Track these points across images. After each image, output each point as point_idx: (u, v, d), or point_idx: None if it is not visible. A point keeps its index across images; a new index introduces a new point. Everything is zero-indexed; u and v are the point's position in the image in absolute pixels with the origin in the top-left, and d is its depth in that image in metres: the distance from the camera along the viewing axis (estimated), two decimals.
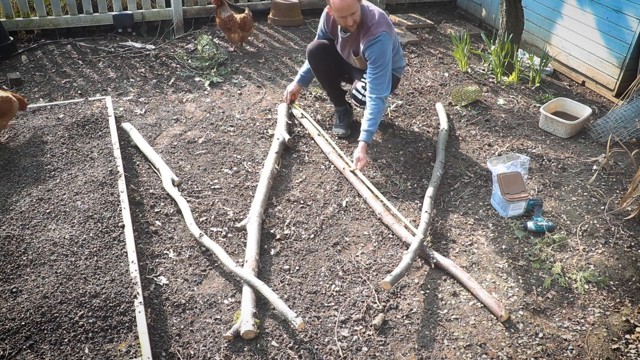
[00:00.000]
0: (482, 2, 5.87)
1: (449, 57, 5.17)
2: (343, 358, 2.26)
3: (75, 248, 2.66)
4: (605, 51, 4.38)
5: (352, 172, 3.28)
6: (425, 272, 2.71)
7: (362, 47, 3.27)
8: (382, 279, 2.65)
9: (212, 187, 3.25)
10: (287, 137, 3.59)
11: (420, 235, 2.73)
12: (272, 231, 2.93)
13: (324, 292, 2.58)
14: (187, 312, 2.44)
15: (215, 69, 4.66)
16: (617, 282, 2.68)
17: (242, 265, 2.64)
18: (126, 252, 2.64)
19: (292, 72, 4.71)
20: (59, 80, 4.41)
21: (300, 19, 5.78)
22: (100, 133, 3.59)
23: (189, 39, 5.29)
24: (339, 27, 3.36)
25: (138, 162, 3.44)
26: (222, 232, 2.91)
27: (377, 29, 3.18)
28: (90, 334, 2.23)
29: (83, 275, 2.50)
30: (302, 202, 3.16)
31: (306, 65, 3.76)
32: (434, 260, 2.71)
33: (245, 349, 2.27)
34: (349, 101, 3.91)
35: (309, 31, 5.62)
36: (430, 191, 3.10)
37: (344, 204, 3.16)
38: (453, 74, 4.80)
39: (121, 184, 3.07)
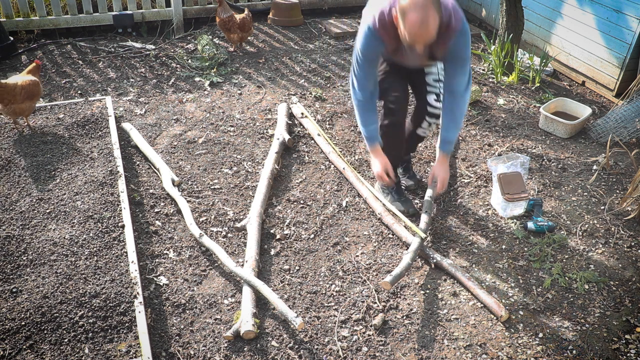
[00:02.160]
0: (482, 2, 5.87)
1: None
2: (343, 358, 2.26)
3: (75, 248, 2.66)
4: (605, 51, 4.38)
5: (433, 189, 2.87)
6: (425, 272, 2.71)
7: (442, 50, 2.51)
8: (383, 279, 2.65)
9: (212, 187, 3.25)
10: (287, 137, 3.59)
11: (420, 235, 2.73)
12: (272, 231, 2.93)
13: (324, 292, 2.58)
14: (187, 312, 2.44)
15: (215, 69, 4.66)
16: (617, 282, 2.68)
17: (242, 265, 2.64)
18: (126, 252, 2.65)
19: (292, 72, 4.72)
20: (59, 80, 4.41)
21: (300, 19, 5.78)
22: (100, 133, 3.60)
23: (189, 39, 5.29)
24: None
25: (138, 162, 3.44)
26: (222, 232, 2.91)
27: (457, 20, 2.41)
28: (90, 334, 2.23)
29: (83, 275, 2.50)
30: (302, 202, 3.16)
31: (367, 118, 2.76)
32: (434, 260, 2.71)
33: (245, 349, 2.27)
34: (421, 124, 3.03)
35: (309, 31, 5.62)
36: (430, 192, 3.10)
37: (344, 204, 3.16)
38: None
39: (121, 184, 3.07)
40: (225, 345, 2.28)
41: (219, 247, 2.68)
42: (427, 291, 2.60)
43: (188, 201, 3.08)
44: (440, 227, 3.00)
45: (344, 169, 3.35)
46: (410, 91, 2.99)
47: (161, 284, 2.58)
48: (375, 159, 2.82)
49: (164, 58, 4.87)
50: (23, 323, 2.25)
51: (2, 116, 3.72)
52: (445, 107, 2.72)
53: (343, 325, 2.40)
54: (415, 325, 2.41)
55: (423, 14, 2.17)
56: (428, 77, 2.86)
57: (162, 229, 2.92)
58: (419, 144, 3.25)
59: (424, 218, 2.85)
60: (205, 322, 2.39)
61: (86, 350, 2.18)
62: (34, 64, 3.58)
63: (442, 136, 2.77)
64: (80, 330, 2.25)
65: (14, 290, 2.42)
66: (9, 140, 3.48)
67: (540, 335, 2.39)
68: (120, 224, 2.82)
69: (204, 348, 2.27)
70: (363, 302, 2.52)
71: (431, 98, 2.87)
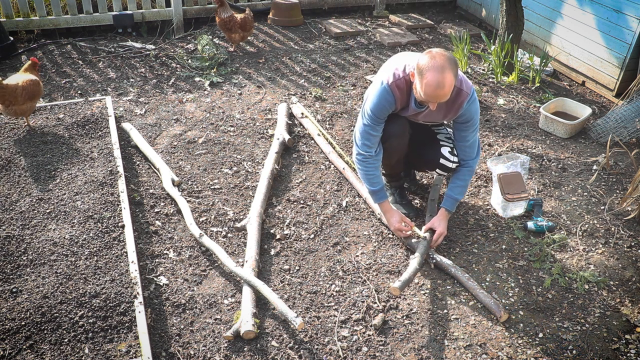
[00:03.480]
0: (482, 2, 5.87)
1: None
2: (343, 358, 2.26)
3: (75, 248, 2.66)
4: (605, 51, 4.38)
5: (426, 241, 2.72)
6: (426, 272, 2.70)
7: (450, 114, 2.62)
8: (386, 280, 2.65)
9: (212, 187, 3.25)
10: (287, 137, 3.59)
11: (426, 237, 2.73)
12: (272, 231, 2.93)
13: (324, 292, 2.58)
14: (187, 312, 2.44)
15: (215, 69, 4.66)
16: (617, 282, 2.68)
17: (242, 265, 2.64)
18: (126, 252, 2.64)
19: (292, 72, 4.72)
20: (59, 80, 4.41)
21: (300, 19, 5.78)
22: (100, 133, 3.59)
23: (189, 39, 5.29)
24: (412, 99, 2.57)
25: (138, 162, 3.44)
26: (222, 232, 2.91)
27: (467, 87, 2.55)
28: (90, 334, 2.23)
29: (83, 275, 2.50)
30: (302, 202, 3.16)
31: (372, 176, 2.77)
32: (434, 261, 2.71)
33: (245, 349, 2.27)
34: (428, 172, 3.18)
35: (309, 31, 5.62)
36: (432, 194, 3.10)
37: (344, 204, 3.15)
38: None
39: (121, 184, 3.07)
40: (225, 345, 2.28)
41: (219, 247, 2.68)
42: (427, 291, 2.60)
43: (188, 201, 3.08)
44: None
45: (343, 169, 3.35)
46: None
47: (161, 284, 2.58)
48: (388, 215, 2.82)
49: (164, 58, 4.87)
50: (23, 323, 2.25)
51: (2, 116, 3.72)
52: (455, 170, 2.82)
53: (343, 325, 2.40)
54: (415, 325, 2.41)
55: (440, 76, 2.29)
56: (440, 134, 2.88)
57: (162, 229, 2.92)
58: (438, 173, 3.03)
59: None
60: (205, 322, 2.39)
61: (86, 350, 2.18)
62: (29, 62, 3.57)
63: (447, 194, 2.79)
64: (80, 330, 2.25)
65: (14, 290, 2.42)
66: (9, 140, 3.48)
67: (540, 335, 2.39)
68: (120, 224, 2.82)
69: (204, 348, 2.27)
70: (363, 302, 2.52)
71: (445, 150, 2.80)
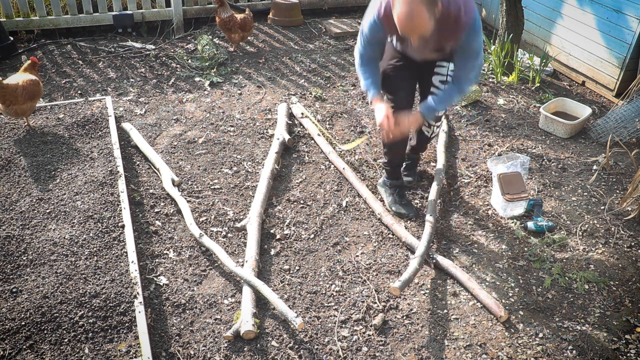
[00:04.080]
0: (482, 2, 5.87)
1: None
2: (343, 358, 2.26)
3: (75, 248, 2.66)
4: (605, 51, 4.38)
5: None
6: (426, 272, 2.71)
7: (452, 44, 2.51)
8: (386, 280, 2.65)
9: (212, 187, 3.25)
10: (287, 137, 3.59)
11: (426, 239, 2.74)
12: (272, 231, 2.93)
13: (324, 292, 2.58)
14: (187, 312, 2.44)
15: (215, 69, 4.66)
16: (617, 282, 2.68)
17: (242, 265, 2.64)
18: (126, 252, 2.65)
19: (292, 72, 4.72)
20: (59, 80, 4.41)
21: (300, 19, 5.78)
22: (100, 133, 3.59)
23: (189, 39, 5.29)
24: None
25: (138, 162, 3.44)
26: (222, 232, 2.91)
27: (468, 17, 2.38)
28: (90, 334, 2.23)
29: (83, 275, 2.50)
30: (302, 202, 3.16)
31: (365, 72, 2.72)
32: (434, 261, 2.71)
33: (245, 349, 2.27)
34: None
35: (309, 31, 5.62)
36: (433, 194, 3.10)
37: (344, 204, 3.16)
38: None
39: (121, 184, 3.07)
40: (225, 345, 2.28)
41: (219, 247, 2.68)
42: (427, 291, 2.60)
43: (188, 201, 3.08)
44: (440, 227, 3.00)
45: (343, 169, 3.35)
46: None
47: (161, 284, 2.58)
48: (377, 108, 2.69)
49: (164, 58, 4.87)
50: (23, 323, 2.25)
51: (2, 116, 3.72)
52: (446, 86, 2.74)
53: (343, 325, 2.40)
54: (415, 326, 2.41)
55: (409, 8, 2.21)
56: (435, 78, 2.82)
57: (162, 229, 2.92)
58: (427, 144, 3.22)
59: (429, 220, 2.83)
60: (205, 322, 2.39)
61: (86, 350, 2.18)
62: (29, 61, 3.57)
63: (427, 100, 2.69)
64: (80, 330, 2.25)
65: (14, 290, 2.42)
66: (9, 140, 3.48)
67: (540, 335, 2.39)
68: (120, 224, 2.82)
69: (204, 348, 2.27)
70: (363, 302, 2.52)
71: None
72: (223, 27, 4.88)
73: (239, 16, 4.86)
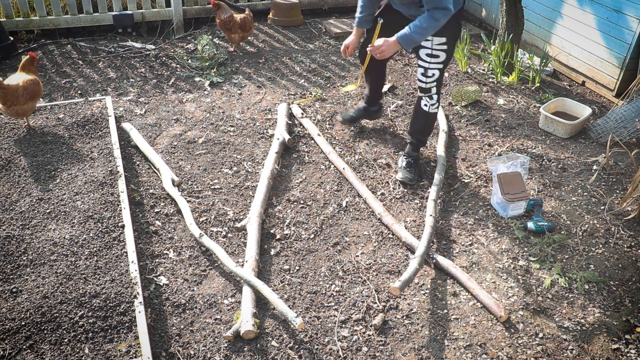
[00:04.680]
0: (482, 2, 5.87)
1: None
2: (343, 358, 2.26)
3: (75, 248, 2.66)
4: (605, 51, 4.38)
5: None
6: (425, 272, 2.71)
7: None
8: (383, 279, 2.65)
9: (212, 187, 3.25)
10: (287, 137, 3.59)
11: (426, 239, 2.74)
12: (272, 231, 2.93)
13: (324, 292, 2.58)
14: (187, 312, 2.44)
15: (215, 69, 4.66)
16: (617, 282, 2.68)
17: (242, 265, 2.65)
18: (126, 252, 2.65)
19: (292, 72, 4.72)
20: (59, 80, 4.41)
21: (300, 19, 5.78)
22: (100, 133, 3.60)
23: (189, 39, 5.29)
24: None
25: (138, 162, 3.44)
26: (222, 232, 2.91)
27: None
28: (90, 334, 2.24)
29: (83, 275, 2.50)
30: (302, 202, 3.16)
31: (361, 6, 3.19)
32: (434, 261, 2.72)
33: (245, 349, 2.27)
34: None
35: (309, 31, 5.62)
36: (433, 194, 3.10)
37: (344, 204, 3.16)
38: (453, 74, 4.80)
39: (121, 184, 3.07)
40: (225, 345, 2.28)
41: (219, 247, 2.68)
42: (427, 291, 2.60)
43: (188, 201, 3.08)
44: (440, 227, 3.01)
45: (343, 169, 3.35)
46: None
47: (161, 284, 2.58)
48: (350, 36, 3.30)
49: (164, 58, 4.87)
50: (23, 323, 2.25)
51: (1, 116, 3.72)
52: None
53: (343, 325, 2.40)
54: (415, 326, 2.41)
55: None
56: (421, 52, 3.06)
57: (162, 229, 2.92)
58: (425, 125, 3.40)
59: (429, 222, 2.88)
60: (205, 322, 2.39)
61: (86, 350, 2.18)
62: (27, 57, 3.55)
63: (403, 29, 2.87)
64: (80, 330, 2.25)
65: (14, 290, 2.42)
66: (9, 140, 3.48)
67: (540, 335, 2.39)
68: (120, 224, 2.82)
69: (204, 348, 2.27)
70: (363, 302, 2.52)
71: (419, 72, 3.13)
72: (223, 28, 4.88)
73: (238, 16, 4.85)
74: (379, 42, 2.93)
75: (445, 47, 3.01)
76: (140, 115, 3.96)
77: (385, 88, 4.42)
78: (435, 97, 3.20)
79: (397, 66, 4.91)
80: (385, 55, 2.96)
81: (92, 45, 5.04)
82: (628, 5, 4.08)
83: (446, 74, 4.80)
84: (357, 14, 3.23)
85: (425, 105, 3.26)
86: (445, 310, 2.50)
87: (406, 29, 2.85)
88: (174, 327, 2.36)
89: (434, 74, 3.10)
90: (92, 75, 4.51)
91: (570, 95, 4.51)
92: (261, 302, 2.47)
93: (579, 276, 2.68)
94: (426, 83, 3.14)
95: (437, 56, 3.04)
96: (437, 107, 3.28)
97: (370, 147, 3.68)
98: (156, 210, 3.04)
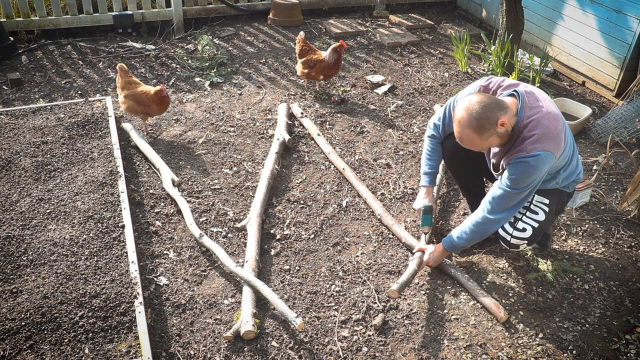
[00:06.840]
0: (482, 2, 5.87)
1: (449, 57, 5.17)
2: (343, 358, 2.26)
3: (75, 248, 2.66)
4: (605, 51, 4.38)
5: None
6: (426, 273, 2.70)
7: (503, 162, 2.36)
8: (383, 279, 2.65)
9: (212, 187, 3.25)
10: (287, 137, 3.59)
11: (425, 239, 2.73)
12: (272, 231, 2.93)
13: (324, 292, 2.58)
14: (187, 312, 2.44)
15: (215, 70, 4.66)
16: (617, 282, 2.68)
17: (242, 265, 2.64)
18: (126, 253, 2.65)
19: (292, 72, 4.72)
20: (59, 80, 4.41)
21: (300, 19, 5.78)
22: (100, 133, 3.59)
23: (189, 39, 5.29)
24: None
25: (138, 162, 3.44)
26: (222, 232, 2.91)
27: (533, 145, 2.20)
28: (90, 334, 2.23)
29: (83, 276, 2.50)
30: (302, 202, 3.16)
31: (428, 150, 2.79)
32: None
33: (245, 349, 2.27)
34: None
35: (309, 31, 5.62)
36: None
37: (344, 204, 3.16)
38: (453, 74, 4.80)
39: (121, 184, 3.07)
40: (226, 345, 2.28)
41: (219, 247, 2.68)
42: (427, 291, 2.60)
43: (188, 201, 3.08)
44: (440, 228, 3.00)
45: (343, 169, 3.35)
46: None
47: (161, 284, 2.58)
48: (418, 195, 2.86)
49: (164, 58, 4.87)
50: (23, 323, 2.25)
51: (2, 116, 3.72)
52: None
53: (343, 326, 2.40)
54: (415, 326, 2.41)
55: (458, 128, 2.29)
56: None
57: (162, 229, 2.92)
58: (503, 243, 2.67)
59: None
60: (205, 322, 2.39)
61: (86, 351, 2.18)
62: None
63: (452, 232, 2.57)
64: (81, 330, 2.25)
65: (14, 290, 2.42)
66: (9, 140, 3.48)
67: (540, 335, 2.39)
68: (120, 224, 2.82)
69: (204, 348, 2.27)
70: (363, 302, 2.52)
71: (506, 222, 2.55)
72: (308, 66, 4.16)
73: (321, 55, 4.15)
74: (429, 249, 2.62)
75: (546, 208, 2.48)
76: None
77: (385, 88, 4.43)
78: (525, 246, 2.58)
79: (397, 66, 4.91)
80: (435, 265, 2.66)
81: (92, 46, 5.04)
82: (628, 5, 4.08)
83: (446, 74, 4.80)
84: (425, 169, 2.78)
85: (505, 235, 2.54)
86: (445, 311, 2.50)
87: (455, 235, 2.53)
88: (174, 328, 2.36)
89: (525, 229, 2.47)
90: (92, 76, 4.51)
91: (571, 96, 4.51)
92: (261, 303, 2.47)
93: (579, 276, 2.68)
94: (512, 236, 2.49)
95: (536, 212, 2.49)
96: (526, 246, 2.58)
97: (370, 147, 3.68)
98: (156, 210, 3.04)
